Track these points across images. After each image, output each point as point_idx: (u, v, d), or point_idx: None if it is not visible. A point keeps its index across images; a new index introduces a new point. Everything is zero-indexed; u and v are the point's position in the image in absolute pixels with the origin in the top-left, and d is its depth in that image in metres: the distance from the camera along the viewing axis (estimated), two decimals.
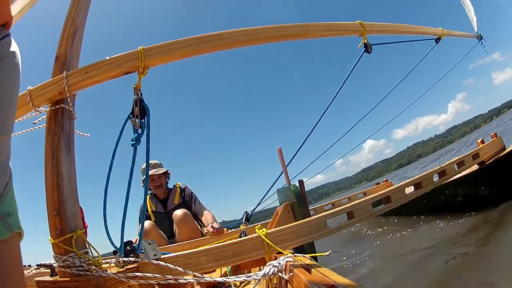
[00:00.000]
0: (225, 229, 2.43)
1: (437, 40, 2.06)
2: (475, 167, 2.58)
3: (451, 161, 2.02)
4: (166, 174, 2.82)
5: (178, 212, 2.44)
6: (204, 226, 2.55)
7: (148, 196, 2.82)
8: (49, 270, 1.18)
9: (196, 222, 2.58)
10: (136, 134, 1.06)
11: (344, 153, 3.71)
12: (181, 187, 2.86)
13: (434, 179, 1.80)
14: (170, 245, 2.31)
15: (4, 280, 0.57)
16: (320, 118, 1.37)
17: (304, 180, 1.64)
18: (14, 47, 0.69)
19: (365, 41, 1.42)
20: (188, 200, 2.76)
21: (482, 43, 3.23)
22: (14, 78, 0.67)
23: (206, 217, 2.52)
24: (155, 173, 2.68)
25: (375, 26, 1.54)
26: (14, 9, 1.35)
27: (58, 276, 1.02)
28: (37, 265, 1.41)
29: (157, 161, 2.83)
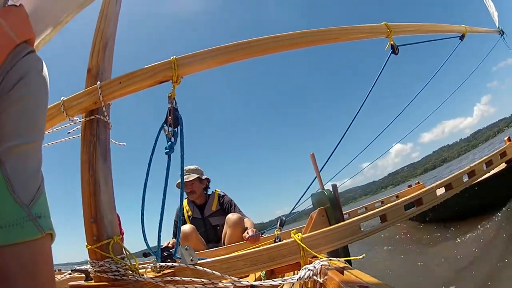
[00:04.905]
0: (260, 235, 2.43)
1: (461, 37, 2.03)
2: (503, 165, 2.53)
3: (479, 160, 1.98)
4: (201, 180, 2.82)
5: (233, 216, 2.48)
6: None
7: (185, 200, 2.85)
8: (83, 275, 1.21)
9: None
10: (169, 143, 1.08)
11: (373, 159, 3.66)
12: (219, 194, 2.87)
13: (464, 180, 1.77)
14: (207, 250, 2.33)
15: (34, 279, 0.58)
16: (350, 124, 1.36)
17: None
18: (38, 61, 0.72)
19: (392, 42, 1.42)
20: (227, 207, 2.77)
21: (504, 38, 3.15)
22: (41, 90, 0.70)
23: (246, 224, 2.52)
24: (186, 180, 2.69)
25: (401, 27, 1.53)
26: (44, 30, 1.40)
27: (93, 281, 1.03)
28: (71, 270, 1.43)
29: (192, 167, 2.84)
